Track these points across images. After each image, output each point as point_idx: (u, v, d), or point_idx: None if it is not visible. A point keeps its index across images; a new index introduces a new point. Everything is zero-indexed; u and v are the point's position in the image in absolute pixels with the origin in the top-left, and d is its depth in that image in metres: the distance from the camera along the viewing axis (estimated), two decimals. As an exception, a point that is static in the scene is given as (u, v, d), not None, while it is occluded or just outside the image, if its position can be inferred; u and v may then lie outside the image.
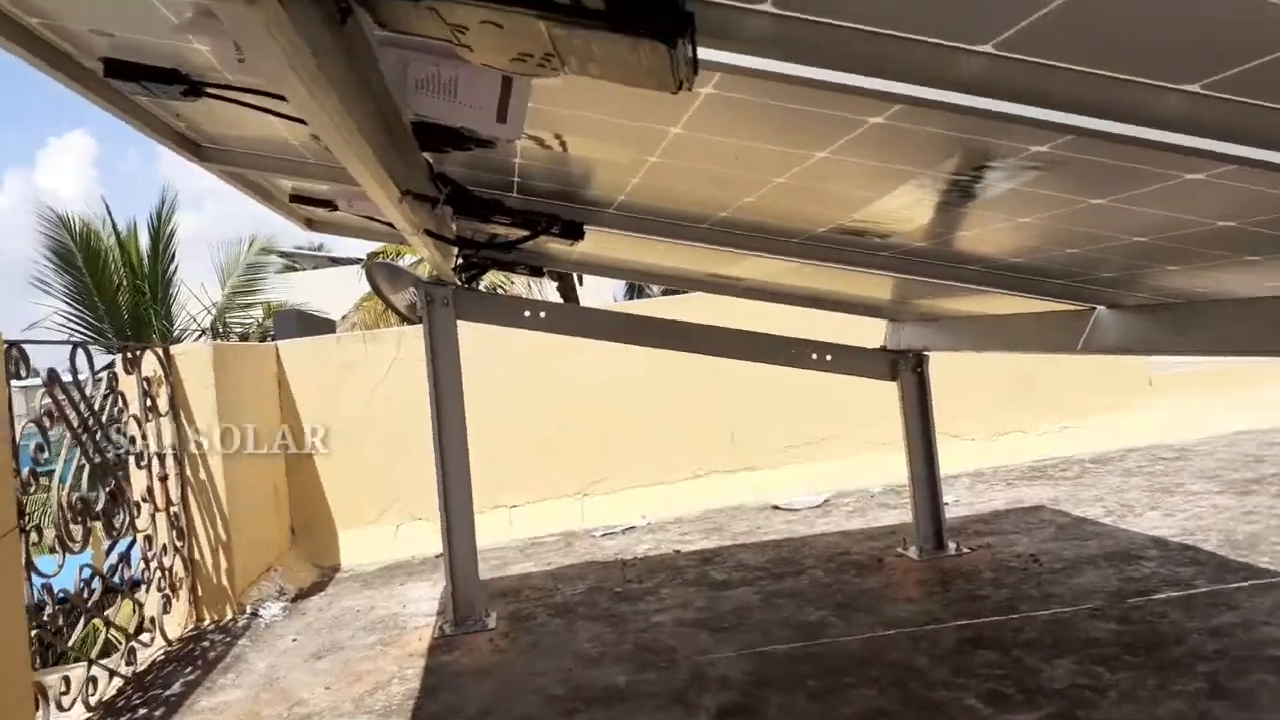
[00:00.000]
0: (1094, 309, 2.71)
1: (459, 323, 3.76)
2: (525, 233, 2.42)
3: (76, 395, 3.38)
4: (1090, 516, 4.54)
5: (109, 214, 13.99)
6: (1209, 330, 2.24)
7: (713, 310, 4.26)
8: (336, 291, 17.38)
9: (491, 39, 0.96)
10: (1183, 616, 3.09)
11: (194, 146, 2.26)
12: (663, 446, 5.91)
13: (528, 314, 3.84)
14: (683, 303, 5.23)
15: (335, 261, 21.26)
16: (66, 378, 3.38)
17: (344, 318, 15.99)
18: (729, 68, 1.13)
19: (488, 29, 0.93)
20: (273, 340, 12.77)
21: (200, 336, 15.41)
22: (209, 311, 15.79)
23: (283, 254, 17.95)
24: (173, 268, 14.66)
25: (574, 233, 2.40)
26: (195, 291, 15.40)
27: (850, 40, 1.04)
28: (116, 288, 14.14)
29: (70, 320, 14.44)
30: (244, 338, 15.10)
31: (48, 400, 3.16)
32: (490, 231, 2.66)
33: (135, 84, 1.61)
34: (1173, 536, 4.02)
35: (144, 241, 14.18)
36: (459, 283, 3.64)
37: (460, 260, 3.39)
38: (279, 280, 16.88)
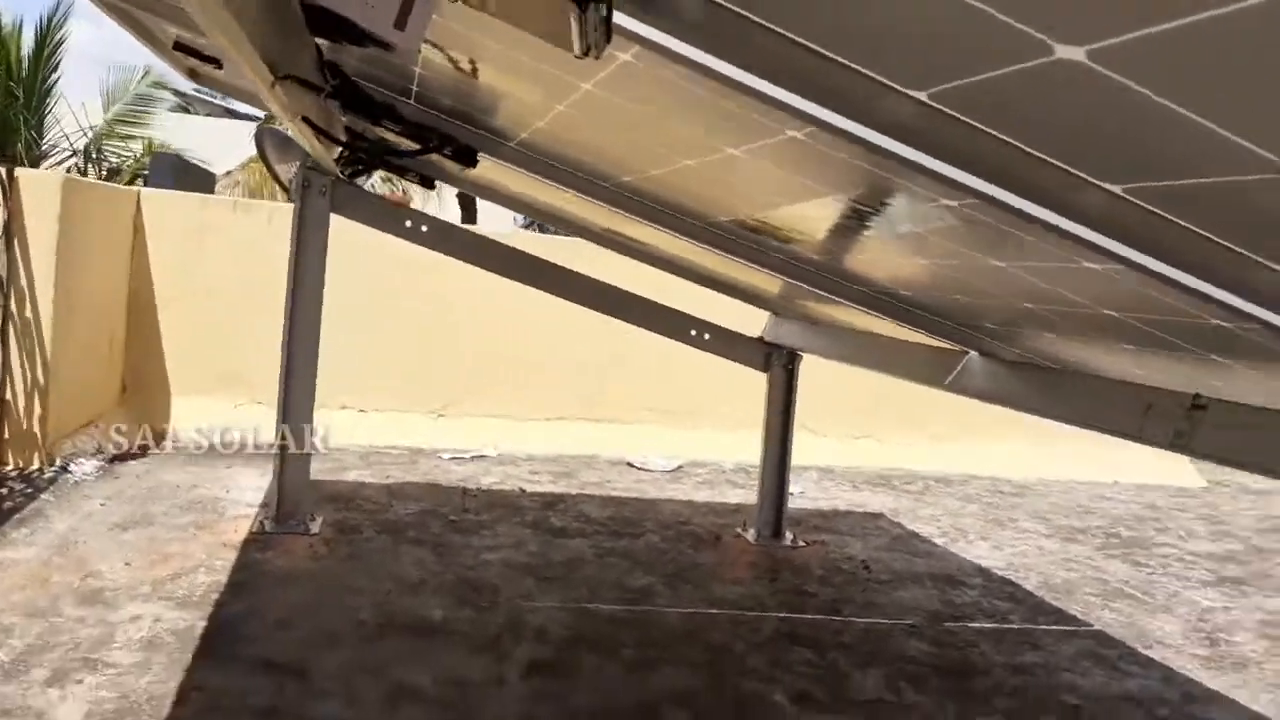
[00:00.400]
0: (967, 353, 2.72)
1: (335, 215, 3.54)
2: (416, 146, 2.25)
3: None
4: (925, 534, 4.67)
5: (-9, 3, 12.79)
6: (1072, 400, 2.27)
7: (600, 260, 4.15)
8: (226, 145, 16.43)
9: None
10: (992, 648, 3.20)
11: (61, -35, 2.00)
12: (528, 381, 5.81)
13: (409, 224, 3.65)
14: (572, 247, 5.10)
15: (231, 114, 20.07)
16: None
17: (227, 174, 15.15)
18: (650, 44, 1.02)
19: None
20: (144, 181, 12.02)
21: (70, 158, 14.42)
22: (85, 134, 14.75)
23: (178, 93, 16.83)
24: (55, 76, 13.59)
25: (467, 158, 2.25)
26: (74, 109, 14.34)
27: (781, 49, 0.94)
28: (-12, 86, 13.02)
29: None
30: (116, 171, 14.17)
31: None
32: (380, 134, 2.48)
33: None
34: (997, 569, 4.17)
35: (29, 43, 13.08)
36: (339, 174, 3.41)
37: (346, 153, 3.17)
38: (169, 119, 15.87)
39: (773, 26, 0.93)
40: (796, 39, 0.93)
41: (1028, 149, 0.98)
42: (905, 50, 0.89)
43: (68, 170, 14.71)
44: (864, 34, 0.89)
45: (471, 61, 1.70)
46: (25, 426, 4.23)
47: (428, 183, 3.60)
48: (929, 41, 0.84)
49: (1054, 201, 1.05)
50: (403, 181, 12.75)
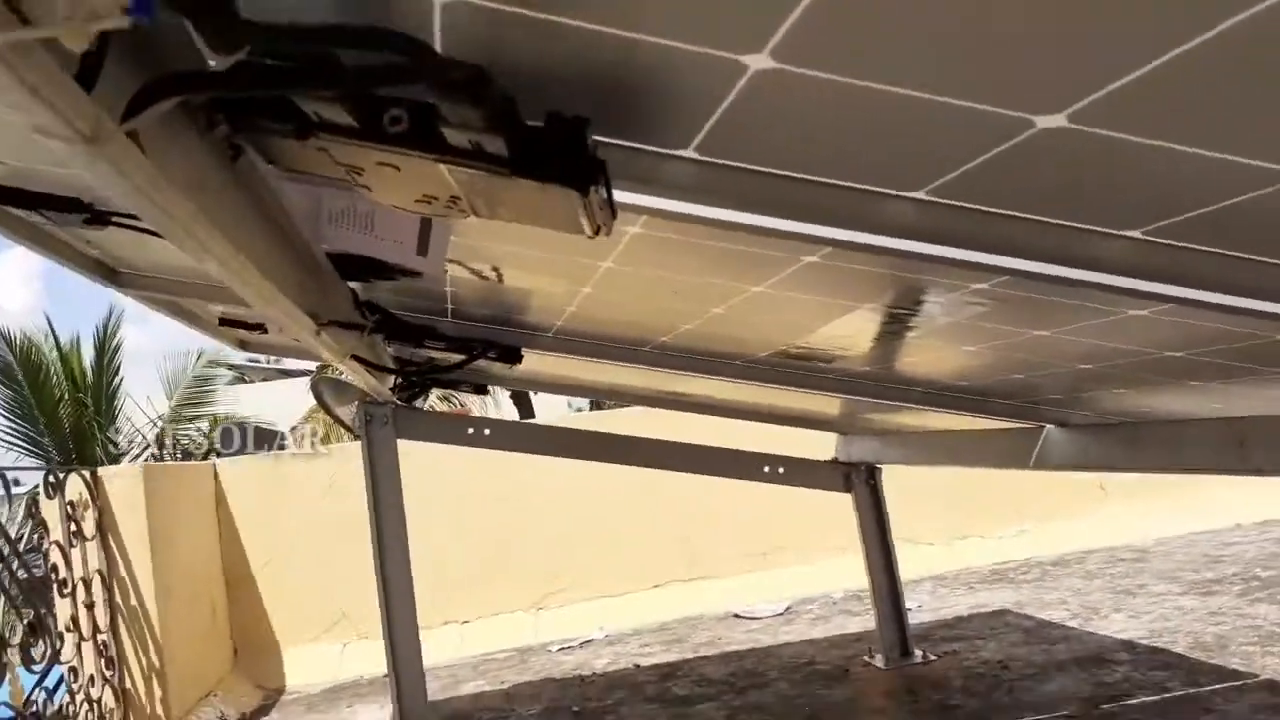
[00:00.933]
0: (1043, 427, 2.67)
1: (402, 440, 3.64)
2: (461, 357, 2.34)
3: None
4: (1055, 619, 4.44)
5: (51, 327, 13.72)
6: (1156, 449, 2.20)
7: (665, 422, 4.19)
8: (286, 404, 17.07)
9: (390, 181, 0.89)
10: (1158, 726, 2.99)
11: (109, 272, 2.17)
12: (618, 557, 5.76)
13: (471, 431, 3.73)
14: (630, 417, 5.16)
15: (285, 374, 21.02)
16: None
17: (293, 429, 15.68)
18: (653, 211, 1.07)
19: (385, 171, 0.86)
20: (217, 454, 12.47)
21: (146, 451, 15.03)
22: (155, 425, 15.43)
23: (232, 366, 17.67)
24: (118, 380, 14.37)
25: (512, 357, 2.33)
26: (141, 405, 15.08)
27: (774, 186, 0.99)
28: (58, 401, 13.81)
29: (9, 435, 14.04)
30: (188, 454, 14.75)
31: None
32: (426, 355, 2.58)
33: (33, 211, 1.52)
34: (1141, 639, 3.93)
35: (88, 355, 13.91)
36: (397, 402, 3.53)
37: (399, 380, 3.29)
38: (227, 392, 16.59)
39: (763, 169, 0.98)
40: (788, 174, 0.98)
41: (1037, 217, 1.01)
42: (890, 157, 0.93)
43: (146, 461, 15.28)
44: (847, 154, 0.94)
45: (495, 269, 1.79)
46: (149, 712, 4.26)
47: (481, 390, 3.71)
48: (914, 144, 0.88)
49: (1079, 259, 1.06)
50: (459, 395, 13.11)
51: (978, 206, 1.02)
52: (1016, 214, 1.01)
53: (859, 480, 3.93)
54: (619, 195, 1.00)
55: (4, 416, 13.64)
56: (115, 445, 14.50)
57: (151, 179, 0.87)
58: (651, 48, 0.74)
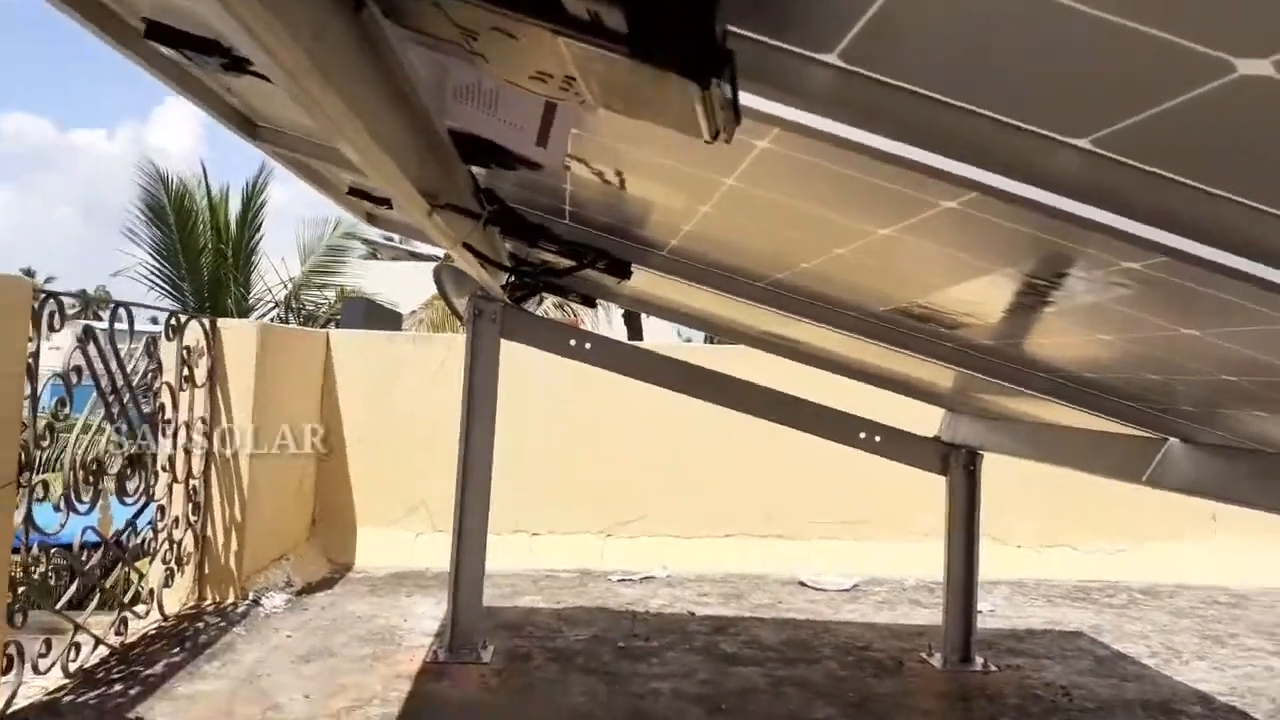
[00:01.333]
0: (1166, 440, 2.49)
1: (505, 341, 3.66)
2: (571, 263, 2.30)
3: (110, 354, 3.34)
4: (1132, 654, 4.23)
5: (205, 177, 14.29)
6: (1294, 488, 2.02)
7: (765, 367, 4.10)
8: (412, 286, 17.53)
9: (504, 50, 0.84)
10: (1221, 787, 2.82)
11: (247, 124, 2.19)
12: (695, 499, 5.73)
13: (573, 343, 3.73)
14: (736, 355, 5.08)
15: (415, 256, 21.57)
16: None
17: (412, 313, 16.12)
18: (785, 123, 0.99)
19: (499, 38, 0.81)
20: (336, 324, 12.89)
21: (274, 309, 15.69)
22: (285, 286, 16.04)
23: (366, 241, 18.21)
24: (258, 237, 14.91)
25: (620, 271, 2.28)
26: (275, 264, 15.66)
27: (925, 111, 0.89)
28: (201, 249, 14.45)
29: (153, 273, 14.79)
30: (312, 317, 15.30)
31: (78, 354, 3.12)
32: (539, 257, 2.55)
33: (176, 50, 1.52)
34: (1219, 694, 3.71)
35: (235, 208, 14.47)
36: (507, 300, 3.54)
37: (511, 279, 3.28)
38: (358, 266, 17.11)
39: (911, 87, 0.88)
40: (942, 98, 0.88)
41: (1213, 189, 0.88)
42: (1059, 94, 0.82)
43: (271, 320, 15.97)
44: (1013, 82, 0.84)
45: (618, 173, 1.73)
46: (223, 562, 4.47)
47: (589, 302, 3.68)
48: (1084, 80, 0.77)
49: (1258, 249, 0.93)
50: (573, 306, 13.22)
51: (1144, 166, 0.90)
52: (1189, 182, 0.89)
53: (957, 463, 3.78)
54: (746, 99, 0.92)
55: (150, 255, 14.35)
56: (246, 300, 15.14)
57: (261, 19, 0.83)
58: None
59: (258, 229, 14.45)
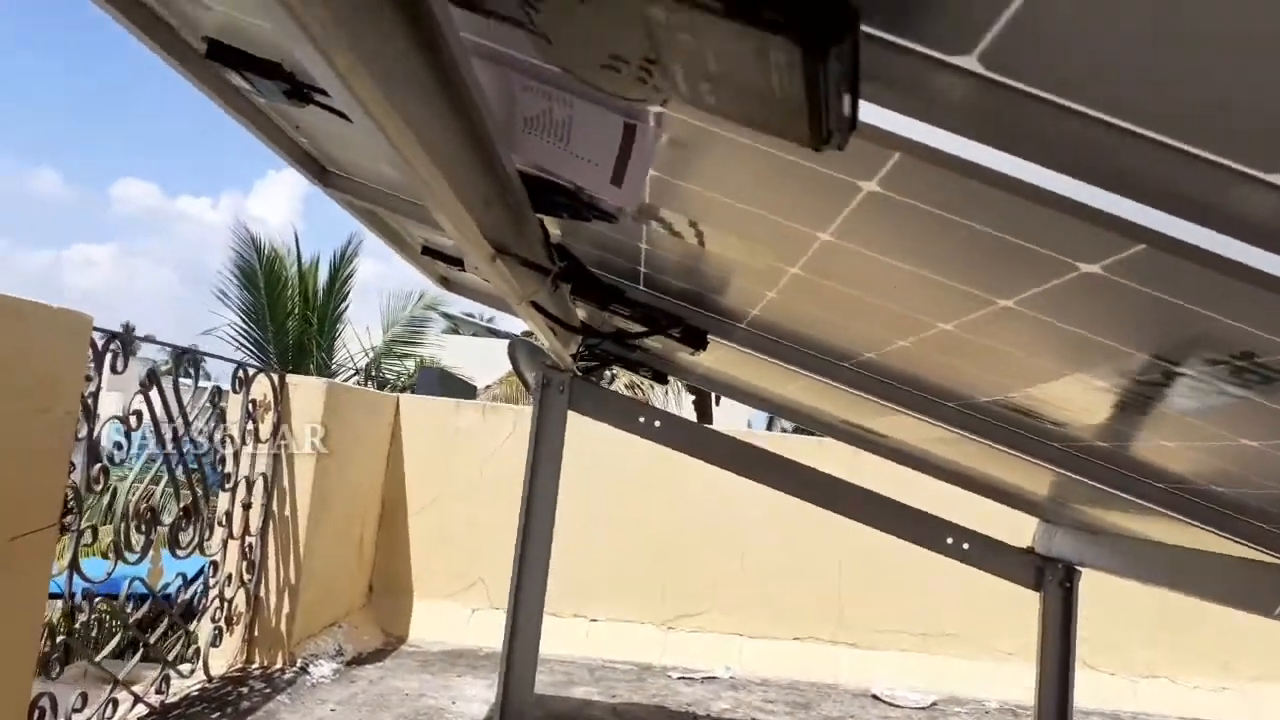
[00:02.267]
0: (1305, 567, 2.20)
1: (572, 414, 3.51)
2: (644, 328, 2.16)
3: (173, 400, 3.29)
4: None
5: (297, 244, 14.83)
6: None
7: (846, 459, 3.87)
8: (489, 362, 17.72)
9: (571, 25, 0.69)
10: None
11: (317, 168, 2.12)
12: (765, 595, 5.45)
13: (642, 419, 3.56)
14: (816, 444, 4.84)
15: (494, 333, 21.86)
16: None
17: (487, 387, 16.20)
18: (909, 145, 0.82)
19: (565, 5, 0.66)
20: (413, 392, 12.99)
21: (354, 375, 16.00)
22: (367, 354, 16.36)
23: (447, 315, 18.53)
24: (344, 306, 15.32)
25: (696, 340, 2.12)
26: (359, 333, 16.04)
27: (1084, 133, 0.72)
28: (288, 313, 14.88)
29: (240, 334, 15.26)
30: (386, 384, 15.49)
31: (139, 398, 3.07)
32: (614, 323, 2.41)
33: (237, 72, 1.44)
34: None
35: (323, 277, 14.89)
36: (576, 372, 3.40)
37: (583, 349, 3.16)
38: (438, 338, 17.39)
39: (1073, 105, 0.71)
40: (1103, 117, 0.71)
41: None
42: (1257, 118, 0.64)
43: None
44: (1211, 100, 0.66)
45: (696, 228, 1.58)
46: (274, 625, 4.34)
47: (660, 377, 3.53)
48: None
49: None
50: (644, 387, 13.10)
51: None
52: None
53: (1052, 579, 3.46)
54: (863, 109, 0.76)
55: (239, 317, 14.84)
56: (328, 365, 15.47)
57: (330, 34, 0.72)
58: None
59: (344, 298, 14.84)
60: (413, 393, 11.57)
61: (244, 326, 15.06)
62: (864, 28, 0.73)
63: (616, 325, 2.42)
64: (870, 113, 0.78)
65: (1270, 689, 5.27)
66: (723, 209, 1.39)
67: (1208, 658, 5.32)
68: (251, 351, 15.55)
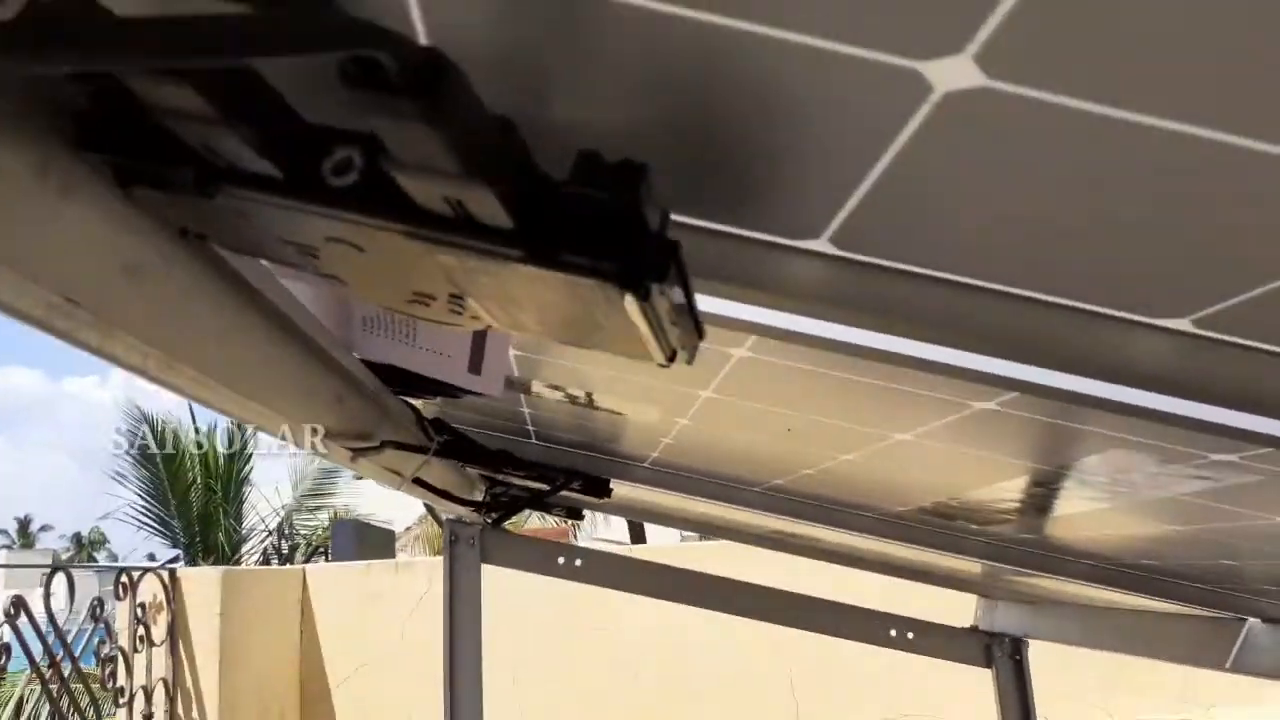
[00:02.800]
0: (1244, 620, 2.17)
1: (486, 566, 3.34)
2: (544, 487, 2.04)
3: (47, 625, 3.02)
4: None
5: (192, 413, 14.37)
6: None
7: (777, 563, 3.76)
8: (406, 503, 17.24)
9: (358, 268, 0.60)
10: None
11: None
12: (721, 711, 5.25)
13: (562, 560, 3.40)
14: (741, 550, 4.74)
15: (408, 469, 21.41)
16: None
17: (407, 529, 15.73)
18: (765, 329, 0.75)
19: (343, 252, 0.57)
20: (328, 548, 12.48)
21: (267, 537, 15.39)
22: (277, 514, 15.78)
23: (356, 460, 18.04)
24: (248, 468, 14.82)
25: (599, 489, 2.02)
26: (268, 494, 15.50)
27: (952, 301, 0.66)
28: (189, 485, 14.34)
29: (142, 513, 14.63)
30: (305, 543, 14.95)
31: (6, 629, 2.81)
32: (510, 481, 2.29)
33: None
34: None
35: (222, 442, 14.44)
36: (486, 522, 3.24)
37: (488, 497, 3.01)
38: (351, 486, 16.91)
39: (936, 273, 0.64)
40: (978, 283, 0.65)
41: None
42: (1157, 264, 0.58)
43: (264, 549, 15.61)
44: (1078, 254, 0.60)
45: (584, 391, 1.49)
46: (200, 841, 3.98)
47: (575, 514, 3.40)
48: (1196, 236, 0.53)
49: None
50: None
51: (1264, 345, 0.66)
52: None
53: (1002, 654, 3.39)
54: (710, 303, 0.68)
55: (140, 496, 14.25)
56: (239, 531, 14.88)
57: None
58: (762, 46, 0.43)
59: (247, 460, 14.34)
60: (328, 549, 11.13)
61: (145, 505, 14.45)
62: (701, 222, 0.66)
63: (514, 483, 2.30)
64: (720, 305, 0.70)
65: (1230, 711, 5.27)
66: (599, 376, 1.30)
67: (1165, 689, 5.31)
68: (155, 529, 14.87)
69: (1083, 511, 1.53)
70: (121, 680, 3.56)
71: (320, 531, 15.24)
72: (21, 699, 3.01)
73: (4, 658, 2.71)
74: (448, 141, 0.37)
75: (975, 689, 4.03)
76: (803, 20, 0.40)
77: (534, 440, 2.06)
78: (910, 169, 0.51)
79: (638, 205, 0.42)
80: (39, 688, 3.00)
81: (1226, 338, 0.63)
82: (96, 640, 3.37)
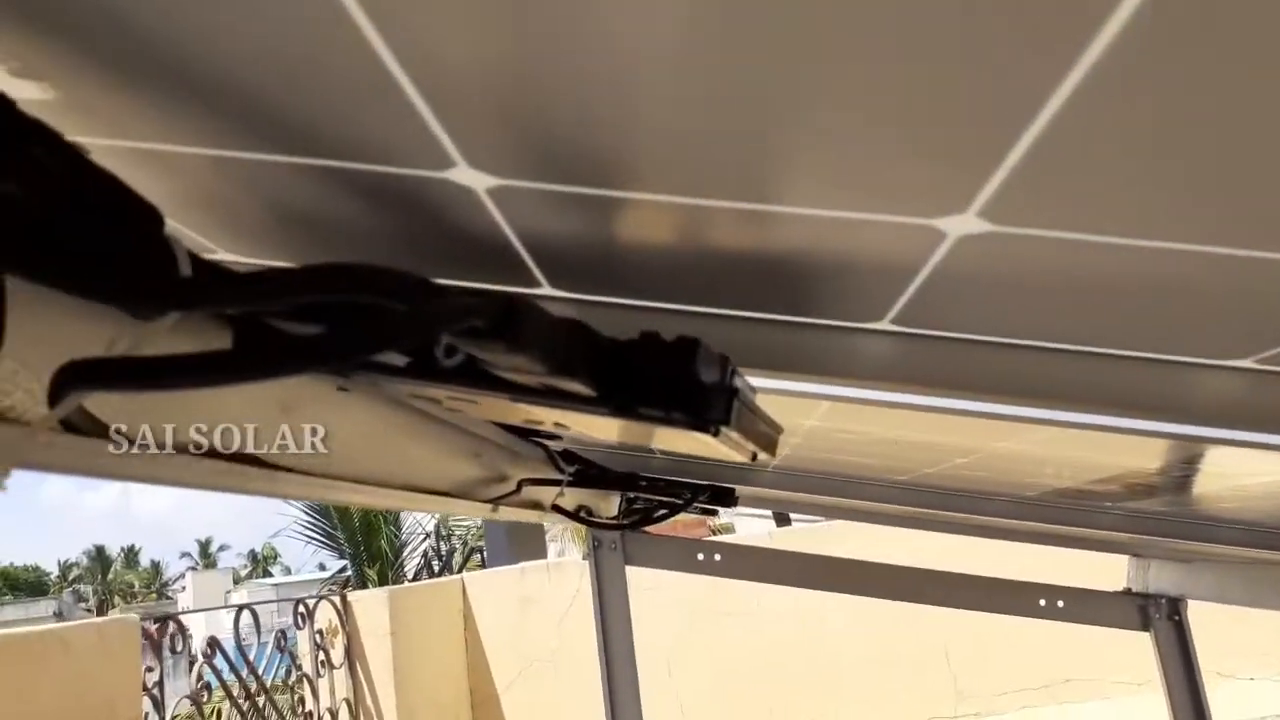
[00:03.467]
0: None
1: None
2: (675, 501, 2.13)
3: (240, 661, 3.29)
4: None
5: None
6: None
7: (924, 538, 3.75)
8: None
9: (474, 409, 0.69)
10: None
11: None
12: (875, 689, 5.25)
13: (701, 557, 3.49)
14: (885, 531, 4.73)
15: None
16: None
17: (555, 522, 16.13)
18: (836, 398, 0.81)
19: (462, 404, 0.66)
20: (482, 553, 12.92)
21: (424, 540, 16.02)
22: (432, 516, 16.39)
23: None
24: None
25: (725, 500, 2.09)
26: (421, 500, 16.04)
27: (1009, 361, 0.70)
28: (349, 497, 14.96)
29: (308, 528, 15.41)
30: (454, 550, 15.50)
31: (206, 669, 3.07)
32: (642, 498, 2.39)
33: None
34: None
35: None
36: (626, 525, 3.36)
37: (624, 506, 3.12)
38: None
39: (997, 339, 0.69)
40: (1036, 344, 0.69)
41: None
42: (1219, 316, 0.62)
43: (424, 553, 16.25)
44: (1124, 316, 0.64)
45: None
46: (394, 843, 4.25)
47: (710, 513, 3.48)
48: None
49: None
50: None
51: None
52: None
53: (1159, 616, 3.30)
54: (785, 384, 0.75)
55: (304, 512, 15.02)
56: (399, 537, 15.54)
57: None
58: (819, 222, 0.50)
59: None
60: (482, 549, 11.52)
61: (311, 519, 15.23)
62: (774, 315, 0.73)
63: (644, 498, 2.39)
64: (795, 385, 0.77)
65: None
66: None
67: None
68: (322, 542, 15.67)
69: (1219, 493, 1.51)
70: (309, 705, 3.85)
71: (475, 531, 15.79)
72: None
73: (206, 695, 2.98)
74: (530, 356, 0.45)
75: (1132, 649, 3.92)
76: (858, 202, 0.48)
77: (658, 455, 2.15)
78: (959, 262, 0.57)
79: (695, 374, 0.50)
80: (239, 717, 3.28)
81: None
82: (284, 669, 3.66)
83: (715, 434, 0.55)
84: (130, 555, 50.06)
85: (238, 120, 0.49)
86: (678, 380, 0.51)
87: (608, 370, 0.52)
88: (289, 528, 14.69)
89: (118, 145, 0.54)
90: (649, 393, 0.52)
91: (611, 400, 0.53)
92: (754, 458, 0.67)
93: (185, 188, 0.61)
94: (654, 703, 3.53)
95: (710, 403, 0.52)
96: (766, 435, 0.64)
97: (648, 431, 0.61)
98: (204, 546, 50.00)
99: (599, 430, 0.68)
